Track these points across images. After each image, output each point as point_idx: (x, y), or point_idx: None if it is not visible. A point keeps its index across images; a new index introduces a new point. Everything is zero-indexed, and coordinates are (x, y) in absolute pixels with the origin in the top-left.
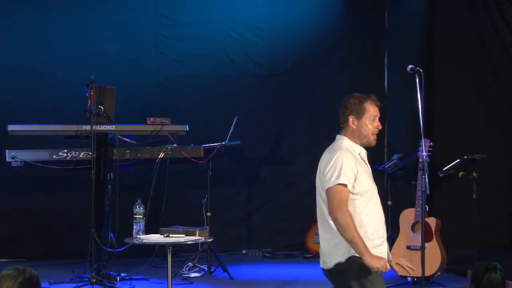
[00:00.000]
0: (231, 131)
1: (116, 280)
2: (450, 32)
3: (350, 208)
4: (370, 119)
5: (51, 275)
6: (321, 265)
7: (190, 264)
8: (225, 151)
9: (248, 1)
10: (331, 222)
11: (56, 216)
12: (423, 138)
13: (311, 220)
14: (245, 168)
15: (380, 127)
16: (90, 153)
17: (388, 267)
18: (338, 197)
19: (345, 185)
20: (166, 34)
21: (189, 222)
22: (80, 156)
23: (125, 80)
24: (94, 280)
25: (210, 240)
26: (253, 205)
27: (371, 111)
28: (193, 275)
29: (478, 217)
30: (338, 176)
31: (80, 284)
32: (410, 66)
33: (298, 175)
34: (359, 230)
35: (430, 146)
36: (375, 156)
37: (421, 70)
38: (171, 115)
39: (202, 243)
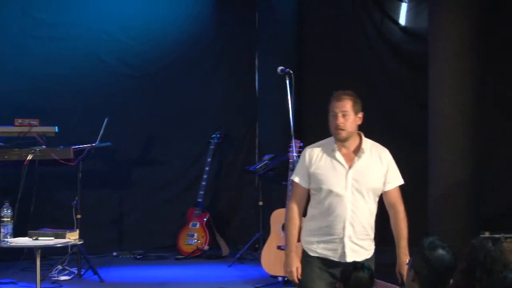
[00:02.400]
0: (101, 132)
1: None
2: (318, 35)
3: (311, 203)
4: (331, 115)
5: None
6: None
7: (60, 267)
8: (96, 153)
9: (119, 1)
10: None
11: None
12: (293, 139)
13: (183, 221)
14: (117, 169)
15: (338, 123)
16: None
17: (294, 277)
18: (291, 192)
19: (295, 181)
20: (34, 35)
21: (59, 225)
22: None
23: None
24: None
25: (80, 242)
26: (124, 207)
27: (331, 107)
28: (62, 278)
29: None
30: (293, 172)
31: None
32: (280, 67)
33: (170, 176)
34: (309, 223)
35: (300, 147)
36: (246, 157)
37: (291, 72)
38: (40, 116)
39: (72, 246)
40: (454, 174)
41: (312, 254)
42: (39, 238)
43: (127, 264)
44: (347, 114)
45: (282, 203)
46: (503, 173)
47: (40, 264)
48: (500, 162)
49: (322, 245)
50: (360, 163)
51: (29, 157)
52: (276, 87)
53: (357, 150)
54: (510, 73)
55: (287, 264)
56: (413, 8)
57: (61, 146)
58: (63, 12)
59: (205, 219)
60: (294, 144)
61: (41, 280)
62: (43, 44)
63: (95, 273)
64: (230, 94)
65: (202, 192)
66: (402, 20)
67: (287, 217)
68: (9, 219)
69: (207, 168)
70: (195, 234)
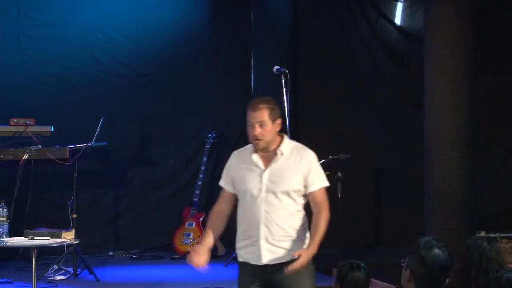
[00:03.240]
0: (97, 132)
1: None
2: (314, 34)
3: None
4: (249, 125)
5: None
6: None
7: (56, 266)
8: (91, 152)
9: (114, 1)
10: None
11: None
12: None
13: (179, 220)
14: (112, 169)
15: (255, 133)
16: None
17: (195, 261)
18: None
19: (221, 185)
20: (30, 34)
21: (54, 224)
22: None
23: None
24: None
25: (75, 242)
26: (120, 207)
27: (248, 117)
28: (58, 277)
29: (343, 216)
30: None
31: None
32: (276, 67)
33: (165, 176)
34: (238, 229)
35: None
36: None
37: (286, 71)
38: (35, 116)
39: (68, 246)
40: (450, 174)
41: (240, 260)
42: (35, 238)
43: (123, 263)
44: (264, 124)
45: None
46: (498, 173)
47: (36, 263)
48: (495, 162)
49: (245, 250)
50: (277, 164)
51: (25, 156)
52: (271, 86)
53: (276, 152)
54: (505, 73)
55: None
56: (408, 7)
57: (57, 146)
58: (59, 11)
59: (201, 219)
60: None
61: (37, 279)
62: (39, 43)
63: (91, 272)
64: (226, 94)
65: (198, 192)
66: (397, 20)
67: (209, 220)
68: (4, 219)
69: (203, 168)
70: (191, 234)
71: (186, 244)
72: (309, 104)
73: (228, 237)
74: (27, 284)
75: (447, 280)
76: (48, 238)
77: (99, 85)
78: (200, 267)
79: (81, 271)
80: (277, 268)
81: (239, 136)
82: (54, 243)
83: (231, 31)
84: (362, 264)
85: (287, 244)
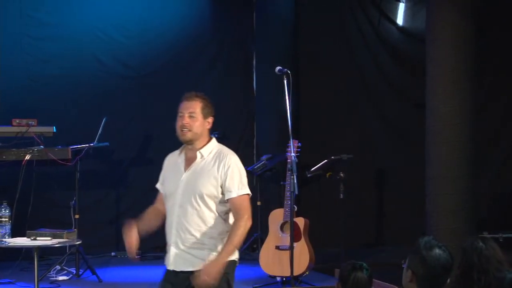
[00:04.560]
0: (99, 132)
1: None
2: (315, 35)
3: None
4: (179, 116)
5: None
6: None
7: (58, 267)
8: (93, 153)
9: (115, 1)
10: None
11: None
12: (291, 139)
13: None
14: (114, 169)
15: (184, 123)
16: None
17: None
18: None
19: (157, 187)
20: (31, 34)
21: (56, 225)
22: None
23: None
24: None
25: (78, 242)
26: (121, 207)
27: (179, 107)
28: (61, 278)
29: (345, 216)
30: None
31: None
32: (278, 67)
33: None
34: None
35: (298, 147)
36: (244, 157)
37: (288, 72)
38: (38, 116)
39: (70, 246)
40: (451, 174)
41: (165, 264)
42: (37, 238)
43: (125, 264)
44: (194, 116)
45: (280, 203)
46: (500, 173)
47: (38, 264)
48: (496, 162)
49: (166, 254)
50: (197, 167)
51: (27, 157)
52: (273, 87)
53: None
54: (506, 73)
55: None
56: (410, 8)
57: (59, 146)
58: (60, 11)
59: None
60: (292, 144)
61: (40, 280)
62: (40, 44)
63: (93, 273)
64: (227, 94)
65: None
66: (399, 20)
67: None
68: (7, 219)
69: None
70: None
71: None
72: (310, 105)
73: None
74: (30, 285)
75: (448, 280)
76: (50, 238)
77: (101, 85)
78: (132, 247)
79: (84, 271)
80: (187, 275)
81: (241, 137)
82: (57, 244)
83: (233, 31)
84: (365, 264)
85: (199, 252)
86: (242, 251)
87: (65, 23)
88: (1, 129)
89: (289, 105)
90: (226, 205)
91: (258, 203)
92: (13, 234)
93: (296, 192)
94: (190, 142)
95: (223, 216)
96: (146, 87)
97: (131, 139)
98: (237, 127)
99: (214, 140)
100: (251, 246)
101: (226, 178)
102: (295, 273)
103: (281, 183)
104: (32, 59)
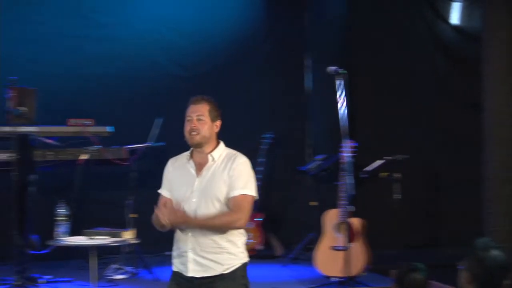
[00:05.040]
0: (155, 132)
1: (40, 282)
2: (370, 33)
3: None
4: (186, 120)
5: None
6: None
7: (115, 266)
8: (148, 153)
9: (171, 2)
10: None
11: None
12: (345, 139)
13: None
14: None
15: (192, 126)
16: (11, 154)
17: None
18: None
19: (161, 193)
20: (88, 35)
21: (113, 224)
22: (1, 157)
23: (47, 81)
24: (19, 283)
25: (135, 241)
26: None
27: (187, 112)
28: (118, 277)
29: (400, 217)
30: None
31: (3, 287)
32: (331, 67)
33: None
34: (174, 240)
35: (353, 147)
36: (297, 157)
37: (342, 71)
38: (94, 116)
39: (127, 245)
40: (509, 174)
41: (174, 269)
42: (95, 237)
43: None
44: (203, 119)
45: (335, 204)
46: None
47: (96, 263)
48: None
49: (177, 260)
50: (209, 171)
51: (83, 157)
52: (326, 87)
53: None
54: None
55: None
56: (466, 7)
57: (115, 146)
58: (116, 12)
59: (259, 219)
60: (347, 144)
61: (97, 279)
62: (97, 44)
63: (150, 272)
64: (281, 94)
65: None
66: (454, 19)
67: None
68: (64, 218)
69: (259, 169)
70: (249, 234)
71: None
72: (364, 105)
73: (285, 237)
74: (87, 283)
75: (506, 281)
76: (108, 237)
77: (156, 85)
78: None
79: (140, 270)
80: (204, 281)
81: (296, 137)
82: (114, 243)
83: (286, 31)
84: (422, 265)
85: (219, 257)
86: (297, 251)
87: (121, 24)
88: (58, 129)
89: (343, 105)
90: None
91: (313, 203)
92: (71, 233)
93: (351, 193)
94: (199, 145)
95: None
96: (200, 88)
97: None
98: (290, 127)
99: (222, 143)
100: (306, 246)
101: (230, 178)
102: (352, 274)
103: (335, 183)
104: (88, 59)
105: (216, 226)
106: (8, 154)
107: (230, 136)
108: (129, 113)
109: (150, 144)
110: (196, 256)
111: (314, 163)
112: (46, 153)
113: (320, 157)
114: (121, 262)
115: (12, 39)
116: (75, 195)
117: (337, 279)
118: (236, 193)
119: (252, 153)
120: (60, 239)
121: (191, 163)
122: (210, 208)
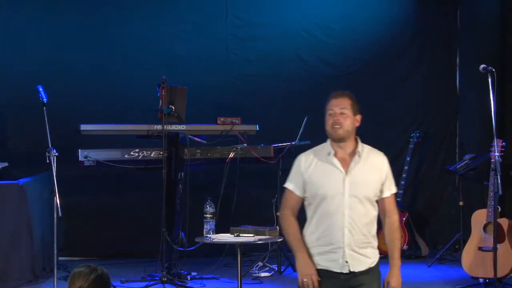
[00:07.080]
0: (301, 131)
1: (187, 279)
2: None
3: (307, 214)
4: (328, 114)
5: (122, 274)
6: None
7: (260, 263)
8: (294, 151)
9: (319, 1)
10: None
11: (127, 215)
12: (495, 138)
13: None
14: None
15: (335, 119)
16: (161, 152)
17: (314, 280)
18: (283, 200)
19: (289, 189)
20: (237, 34)
21: (259, 222)
22: (152, 155)
23: (196, 80)
24: (165, 279)
25: (280, 240)
26: None
27: (328, 105)
28: (263, 274)
29: None
30: (287, 180)
31: (151, 283)
32: (483, 65)
33: None
34: (308, 236)
35: (502, 147)
36: (446, 157)
37: (493, 70)
38: (241, 114)
39: (272, 243)
40: None
41: (318, 267)
42: (241, 235)
43: None
44: (345, 113)
45: (483, 203)
46: None
47: (241, 260)
48: None
49: (323, 257)
50: (357, 168)
51: (231, 155)
52: (477, 86)
53: (354, 154)
54: None
55: (300, 268)
56: None
57: (262, 145)
58: (264, 12)
59: (404, 219)
60: (496, 143)
61: (242, 276)
62: (245, 43)
63: (295, 270)
64: (430, 93)
65: (401, 192)
66: None
67: (283, 223)
68: (211, 216)
69: (406, 167)
70: None
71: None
72: None
73: (431, 237)
74: (233, 281)
75: None
76: (253, 235)
77: (304, 84)
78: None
79: (285, 268)
80: (351, 275)
81: (444, 136)
82: (259, 241)
83: (436, 29)
84: None
85: (368, 251)
86: (444, 252)
87: (269, 23)
88: (207, 127)
89: (493, 104)
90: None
91: (461, 203)
92: (217, 231)
93: (500, 193)
94: (342, 139)
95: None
96: (349, 87)
97: None
98: (440, 125)
99: (359, 138)
100: (453, 246)
101: (386, 177)
102: (499, 275)
103: (485, 183)
104: (236, 58)
105: (400, 244)
106: (158, 152)
107: (379, 135)
108: (276, 111)
109: (295, 143)
110: (351, 252)
111: (462, 162)
112: (195, 151)
113: (468, 156)
114: (266, 260)
115: (167, 38)
116: (222, 193)
117: (484, 280)
118: (388, 193)
119: (400, 152)
120: (208, 236)
121: (335, 159)
122: (361, 206)
